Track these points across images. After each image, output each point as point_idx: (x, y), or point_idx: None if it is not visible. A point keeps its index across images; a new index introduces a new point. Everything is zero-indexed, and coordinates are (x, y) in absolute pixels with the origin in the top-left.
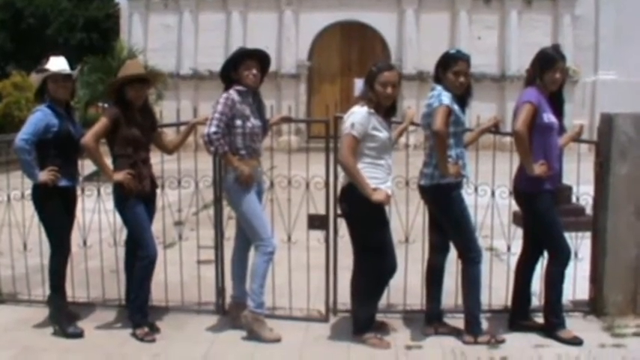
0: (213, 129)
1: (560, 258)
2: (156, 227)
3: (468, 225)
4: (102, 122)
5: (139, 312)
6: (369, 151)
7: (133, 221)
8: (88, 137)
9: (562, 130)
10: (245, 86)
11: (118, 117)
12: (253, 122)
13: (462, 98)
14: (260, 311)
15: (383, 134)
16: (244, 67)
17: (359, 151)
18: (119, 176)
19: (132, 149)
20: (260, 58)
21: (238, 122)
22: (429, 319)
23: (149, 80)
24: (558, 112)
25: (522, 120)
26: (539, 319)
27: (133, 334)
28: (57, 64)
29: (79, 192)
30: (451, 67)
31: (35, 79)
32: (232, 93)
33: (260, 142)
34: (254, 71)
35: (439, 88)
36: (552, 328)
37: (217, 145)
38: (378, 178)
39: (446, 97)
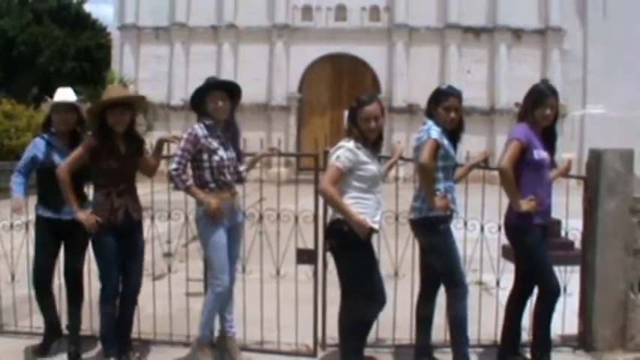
0: (173, 166)
1: (548, 294)
2: (145, 259)
3: (455, 260)
4: (77, 152)
5: (102, 344)
6: (358, 184)
7: (98, 253)
8: (60, 167)
9: (553, 164)
10: (212, 118)
11: (94, 147)
12: (221, 155)
13: (454, 133)
14: (203, 342)
15: (372, 167)
16: (210, 100)
17: (347, 185)
18: (82, 216)
19: (107, 180)
20: (227, 89)
21: (205, 156)
22: (419, 354)
23: (132, 105)
24: (551, 147)
25: (507, 157)
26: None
27: None
28: (61, 94)
29: None
30: (442, 103)
31: (44, 107)
32: (196, 128)
33: (232, 173)
34: (219, 103)
35: (430, 122)
36: None
37: (177, 182)
38: (364, 214)
39: (435, 132)
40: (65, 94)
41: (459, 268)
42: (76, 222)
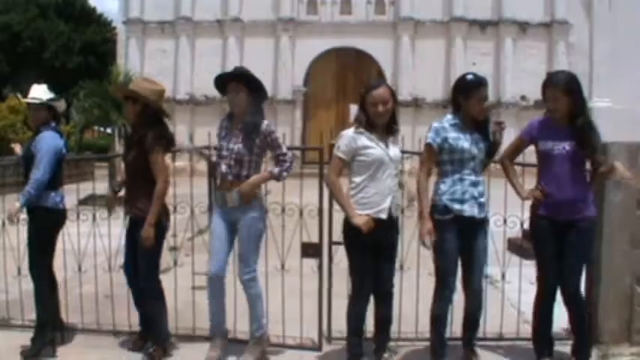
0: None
1: (539, 293)
2: None
3: (444, 259)
4: None
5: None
6: (362, 170)
7: None
8: None
9: (587, 155)
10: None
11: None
12: (221, 144)
13: (484, 122)
14: (212, 332)
15: (375, 151)
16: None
17: (352, 172)
18: None
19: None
20: (246, 80)
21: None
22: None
23: (135, 98)
24: (577, 137)
25: (505, 149)
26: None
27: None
28: (34, 92)
29: (75, 216)
30: (474, 95)
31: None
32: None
33: (231, 165)
34: (230, 95)
35: (448, 117)
36: (537, 356)
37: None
38: (365, 204)
39: (432, 131)
40: (38, 92)
41: (447, 269)
42: (27, 210)
